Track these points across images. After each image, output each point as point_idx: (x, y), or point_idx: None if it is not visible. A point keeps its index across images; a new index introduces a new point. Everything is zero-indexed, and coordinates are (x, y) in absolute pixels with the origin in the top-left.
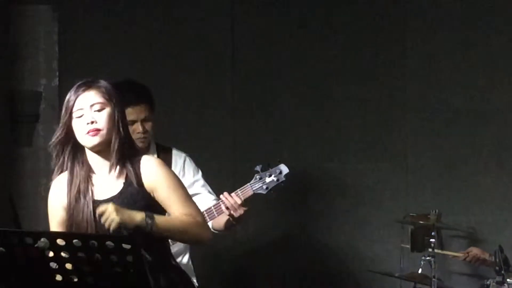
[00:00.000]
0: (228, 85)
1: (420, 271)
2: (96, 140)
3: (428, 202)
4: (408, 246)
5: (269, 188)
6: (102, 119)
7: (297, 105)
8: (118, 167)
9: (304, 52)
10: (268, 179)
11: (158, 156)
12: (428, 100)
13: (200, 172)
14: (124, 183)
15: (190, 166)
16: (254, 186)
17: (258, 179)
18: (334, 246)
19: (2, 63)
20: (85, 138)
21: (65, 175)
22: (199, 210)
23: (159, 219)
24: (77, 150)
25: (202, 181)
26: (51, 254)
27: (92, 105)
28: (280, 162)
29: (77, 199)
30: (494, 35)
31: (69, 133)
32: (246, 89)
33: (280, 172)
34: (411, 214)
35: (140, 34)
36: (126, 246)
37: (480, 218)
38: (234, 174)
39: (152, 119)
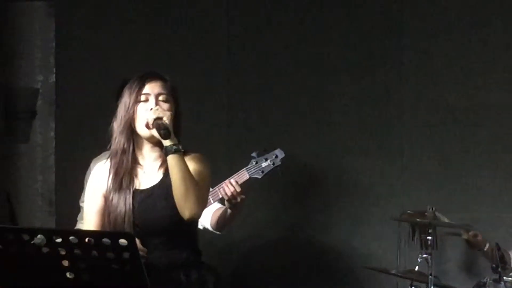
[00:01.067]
0: (224, 80)
1: (417, 268)
2: None
3: (424, 199)
4: (405, 243)
5: (265, 172)
6: (166, 108)
7: (293, 102)
8: (161, 159)
9: (300, 49)
10: (264, 164)
11: None
12: (424, 98)
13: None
14: (164, 174)
15: None
16: (250, 171)
17: (254, 163)
18: (331, 243)
19: None
20: (145, 122)
21: (106, 161)
22: (206, 196)
23: (183, 159)
24: (131, 137)
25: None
26: (47, 251)
27: (158, 94)
28: (276, 148)
29: (118, 189)
30: (490, 33)
31: (133, 117)
32: (242, 85)
33: (276, 157)
34: (408, 211)
35: (136, 30)
36: (123, 243)
37: (476, 215)
38: (229, 169)
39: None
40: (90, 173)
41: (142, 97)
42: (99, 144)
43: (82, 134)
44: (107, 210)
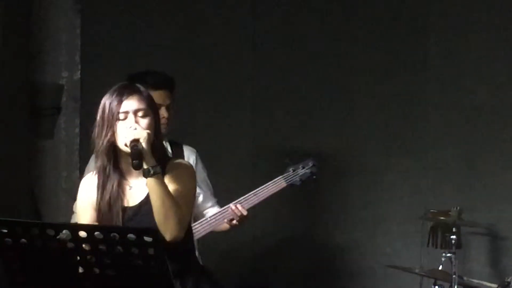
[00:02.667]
0: (248, 79)
1: (440, 267)
2: None
3: (449, 199)
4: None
5: (303, 180)
6: (145, 125)
7: (317, 101)
8: None
9: (324, 48)
10: (301, 171)
11: (171, 151)
12: (449, 96)
13: (205, 172)
14: None
15: (200, 163)
16: (287, 179)
17: (291, 171)
18: (354, 242)
19: (24, 56)
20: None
21: (94, 175)
22: (188, 216)
23: (162, 180)
24: (114, 154)
25: (207, 181)
26: (72, 246)
27: (136, 111)
28: (310, 156)
29: (108, 206)
30: None
31: (113, 136)
32: (267, 84)
33: (313, 165)
34: (432, 210)
35: (161, 28)
36: (148, 239)
37: (501, 215)
38: (253, 168)
39: (172, 108)
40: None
41: (121, 116)
42: None
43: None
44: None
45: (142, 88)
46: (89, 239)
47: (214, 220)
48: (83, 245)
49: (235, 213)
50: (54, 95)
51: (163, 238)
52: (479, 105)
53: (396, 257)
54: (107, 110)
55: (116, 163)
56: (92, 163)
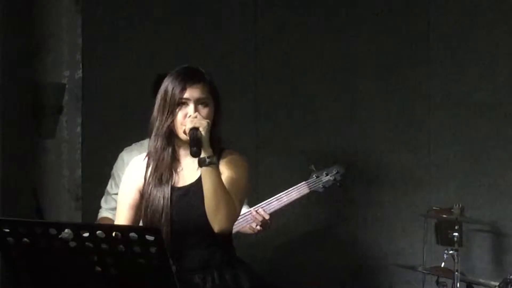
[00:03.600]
0: (250, 80)
1: (443, 264)
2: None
3: (452, 196)
4: (431, 240)
5: (326, 187)
6: (205, 113)
7: (320, 99)
8: None
9: (327, 46)
10: (325, 178)
11: None
12: (452, 94)
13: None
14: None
15: None
16: (311, 184)
17: (314, 177)
18: (357, 239)
19: (25, 55)
20: (183, 128)
21: (142, 157)
22: (239, 209)
23: (217, 170)
24: (171, 138)
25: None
26: (74, 245)
27: (198, 99)
28: (335, 163)
29: (157, 185)
30: None
31: (173, 120)
32: (269, 83)
33: (337, 172)
34: (435, 208)
35: (162, 27)
36: (150, 238)
37: (503, 212)
38: (257, 167)
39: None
40: (121, 162)
41: (183, 100)
42: (125, 139)
43: (109, 130)
44: (144, 205)
45: (206, 76)
46: (91, 238)
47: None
48: (86, 244)
49: (256, 218)
50: (56, 94)
51: (206, 225)
52: (482, 102)
53: (399, 254)
54: (169, 94)
55: (171, 146)
56: (135, 148)
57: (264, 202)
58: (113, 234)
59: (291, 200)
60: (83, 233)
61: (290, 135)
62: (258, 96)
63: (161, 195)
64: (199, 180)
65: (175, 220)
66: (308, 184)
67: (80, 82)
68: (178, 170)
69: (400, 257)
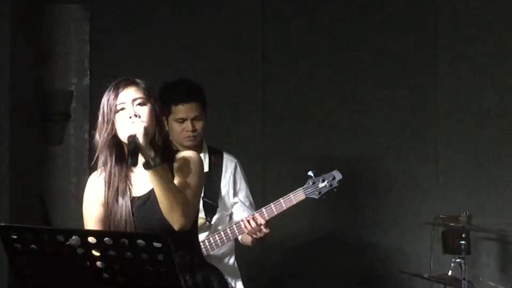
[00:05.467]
0: (259, 86)
1: (450, 273)
2: None
3: (459, 204)
4: (439, 248)
5: (322, 193)
6: (144, 113)
7: (327, 106)
8: None
9: (334, 54)
10: (321, 185)
11: (210, 159)
12: (459, 101)
13: (246, 182)
14: None
15: (240, 172)
16: (307, 191)
17: (311, 183)
18: (365, 247)
19: (33, 62)
20: (127, 131)
21: (99, 173)
22: (196, 207)
23: (164, 169)
24: (117, 147)
25: (246, 191)
26: (81, 251)
27: (134, 100)
28: (333, 168)
29: (115, 198)
30: None
31: (113, 129)
32: (277, 90)
33: (333, 178)
34: (442, 215)
35: (171, 34)
36: (157, 245)
37: (510, 220)
38: (264, 175)
39: (204, 119)
40: None
41: (119, 106)
42: None
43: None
44: (107, 219)
45: (138, 80)
46: (99, 244)
47: (228, 232)
48: (93, 251)
49: (248, 226)
50: (64, 101)
51: (171, 228)
52: (489, 109)
53: (406, 262)
54: (105, 105)
55: (120, 155)
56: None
57: (262, 208)
58: (121, 241)
59: (288, 206)
60: (91, 239)
61: (297, 143)
62: (265, 104)
63: (122, 207)
64: None
65: (141, 229)
66: (304, 190)
67: (88, 89)
68: (133, 179)
69: (407, 265)
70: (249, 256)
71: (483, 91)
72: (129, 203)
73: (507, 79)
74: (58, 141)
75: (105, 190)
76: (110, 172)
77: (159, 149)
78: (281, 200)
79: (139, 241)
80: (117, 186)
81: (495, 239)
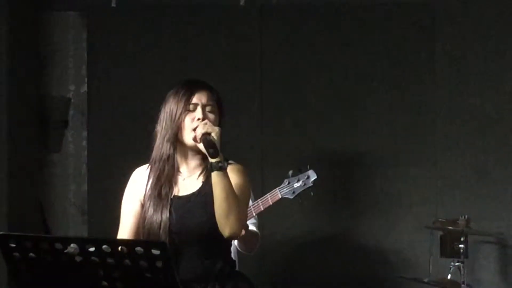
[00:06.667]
0: (256, 88)
1: (449, 276)
2: None
3: (458, 207)
4: (437, 251)
5: (296, 193)
6: (212, 119)
7: (326, 110)
8: (202, 166)
9: (332, 58)
10: (296, 184)
11: None
12: (458, 106)
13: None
14: (203, 182)
15: None
16: (282, 191)
17: (286, 183)
18: (363, 251)
19: (31, 70)
20: (192, 133)
21: (145, 167)
22: (246, 215)
23: (227, 175)
24: (176, 145)
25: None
26: (80, 259)
27: (206, 105)
28: (309, 168)
29: (157, 197)
30: None
31: (178, 127)
32: (274, 93)
33: (308, 177)
34: (440, 219)
35: (167, 41)
36: (156, 252)
37: (509, 223)
38: (262, 178)
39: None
40: None
41: (190, 107)
42: (130, 153)
43: (114, 144)
44: (143, 216)
45: (212, 86)
46: (97, 252)
47: None
48: (92, 259)
49: None
50: (62, 109)
51: (217, 227)
52: (487, 113)
53: (404, 266)
54: (175, 102)
55: (175, 155)
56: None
57: None
58: (119, 248)
59: (265, 206)
60: (89, 247)
61: (294, 147)
62: (263, 107)
63: (160, 207)
64: (200, 189)
65: (174, 230)
66: (279, 190)
67: (86, 97)
68: (179, 180)
69: (406, 269)
70: (249, 259)
71: (482, 95)
72: (168, 203)
73: (505, 83)
74: (56, 149)
75: (147, 185)
76: (159, 167)
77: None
78: (259, 201)
79: (138, 248)
80: (162, 184)
81: (494, 242)
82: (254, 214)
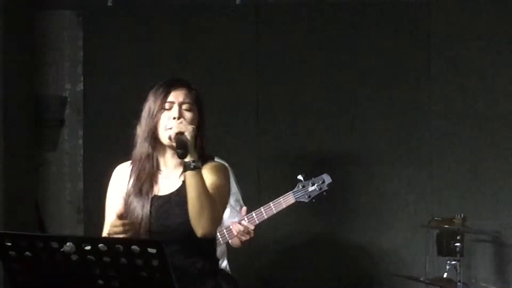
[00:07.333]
0: (252, 90)
1: (445, 275)
2: None
3: (453, 206)
4: (434, 250)
5: (311, 196)
6: (188, 118)
7: (322, 110)
8: (182, 166)
9: (328, 59)
10: (310, 188)
11: None
12: (453, 104)
13: (237, 186)
14: (183, 180)
15: (231, 177)
16: (296, 194)
17: (301, 187)
18: (359, 250)
19: (27, 68)
20: (167, 132)
21: (128, 164)
22: (222, 214)
23: (201, 175)
24: (155, 144)
25: (237, 196)
26: (76, 258)
27: (182, 103)
28: (323, 172)
29: (138, 193)
30: None
31: (156, 125)
32: (271, 93)
33: (323, 182)
34: (436, 218)
35: (164, 41)
36: (152, 251)
37: (505, 222)
38: (258, 178)
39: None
40: None
41: (166, 105)
42: (126, 152)
43: (110, 142)
44: (125, 213)
45: (192, 84)
46: (93, 251)
47: (219, 236)
48: (88, 257)
49: (238, 230)
50: (58, 107)
51: (191, 231)
52: (482, 112)
53: (401, 264)
54: (153, 100)
55: (153, 153)
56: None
57: (253, 212)
58: (115, 247)
59: (278, 210)
60: (85, 246)
61: (291, 146)
62: (260, 108)
63: (140, 205)
64: (180, 188)
65: (155, 229)
66: (294, 194)
67: (82, 95)
68: (160, 178)
69: (402, 267)
70: (240, 258)
71: (476, 94)
72: (149, 201)
73: (500, 82)
74: (52, 147)
75: (129, 183)
76: (140, 166)
77: (198, 154)
78: (271, 204)
79: (134, 247)
80: (143, 182)
81: (490, 241)
82: (265, 216)
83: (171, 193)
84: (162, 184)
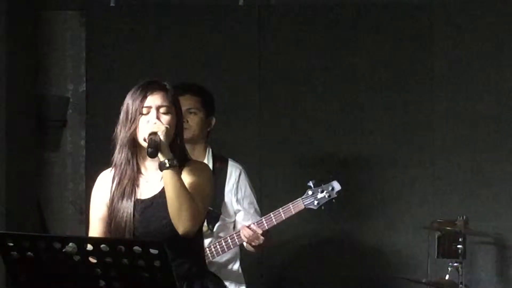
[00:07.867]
0: (254, 90)
1: (447, 277)
2: None
3: (456, 208)
4: (435, 252)
5: (320, 203)
6: (166, 121)
7: (324, 112)
8: None
9: (330, 60)
10: (320, 195)
11: (214, 165)
12: (455, 106)
13: (251, 189)
14: None
15: (244, 180)
16: (305, 201)
17: (310, 194)
18: (361, 252)
19: (30, 69)
20: (149, 128)
21: (110, 171)
22: (203, 212)
23: (178, 172)
24: (135, 148)
25: (250, 198)
26: (78, 259)
27: (159, 107)
28: (333, 179)
29: (121, 198)
30: None
31: (134, 129)
32: (273, 95)
33: (332, 189)
34: (439, 220)
35: (166, 42)
36: (154, 251)
37: (508, 223)
38: (260, 180)
39: (199, 116)
40: None
41: (144, 110)
42: None
43: (112, 143)
44: (109, 218)
45: (168, 86)
46: (95, 251)
47: (229, 241)
48: (90, 258)
49: (246, 235)
50: (60, 108)
51: (175, 233)
52: (485, 113)
53: (402, 267)
54: (131, 105)
55: (135, 157)
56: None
57: (262, 218)
58: (117, 247)
59: (287, 216)
60: (87, 246)
61: (293, 148)
62: (262, 107)
63: (124, 208)
64: (162, 191)
65: (139, 232)
66: (303, 201)
67: (84, 96)
68: (141, 182)
69: (404, 269)
70: (249, 261)
71: (479, 95)
72: (132, 205)
73: (503, 83)
74: (54, 148)
75: (112, 188)
76: (121, 171)
77: (176, 153)
78: (280, 210)
79: (136, 247)
80: (125, 187)
81: (492, 243)
82: (275, 222)
83: (154, 196)
84: (144, 188)
